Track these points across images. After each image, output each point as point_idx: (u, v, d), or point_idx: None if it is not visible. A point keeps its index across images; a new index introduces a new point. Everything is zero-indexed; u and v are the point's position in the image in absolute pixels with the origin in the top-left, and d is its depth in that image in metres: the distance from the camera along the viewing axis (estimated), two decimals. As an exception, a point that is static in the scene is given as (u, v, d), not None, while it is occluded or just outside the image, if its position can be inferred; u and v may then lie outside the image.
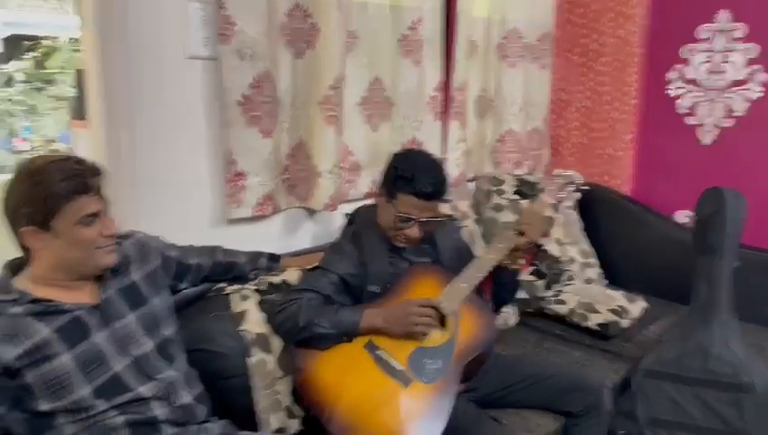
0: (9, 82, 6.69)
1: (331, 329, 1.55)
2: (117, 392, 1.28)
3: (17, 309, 1.23)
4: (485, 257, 1.73)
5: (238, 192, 1.89)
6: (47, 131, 6.44)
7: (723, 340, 1.85)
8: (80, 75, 2.71)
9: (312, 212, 2.17)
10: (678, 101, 2.75)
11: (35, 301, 1.25)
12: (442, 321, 1.62)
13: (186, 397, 1.37)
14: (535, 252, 1.88)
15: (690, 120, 2.73)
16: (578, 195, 1.90)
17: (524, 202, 2.59)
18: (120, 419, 1.26)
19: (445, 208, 2.33)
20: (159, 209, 1.75)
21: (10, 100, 6.47)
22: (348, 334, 1.58)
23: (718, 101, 2.65)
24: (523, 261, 1.79)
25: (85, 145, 2.52)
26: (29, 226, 1.22)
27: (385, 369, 1.55)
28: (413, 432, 1.47)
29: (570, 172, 1.92)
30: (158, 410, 1.31)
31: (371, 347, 1.58)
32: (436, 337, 1.61)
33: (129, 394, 1.28)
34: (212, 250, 1.72)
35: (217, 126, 1.83)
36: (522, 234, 1.74)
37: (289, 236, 2.11)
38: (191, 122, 1.80)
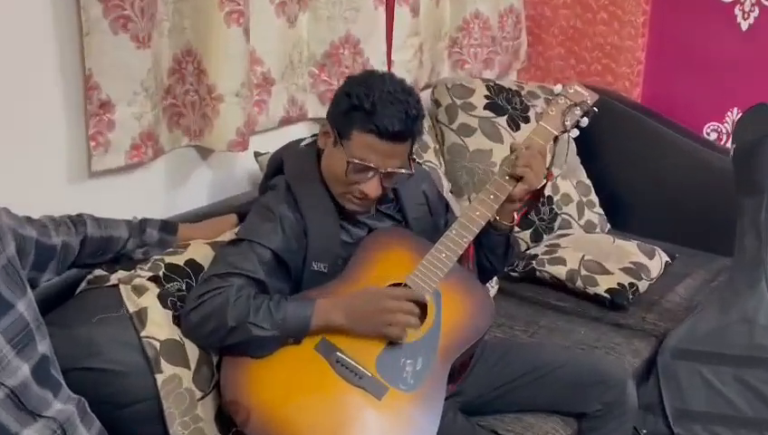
0: None
1: (272, 329, 1.74)
2: (-7, 440, 1.42)
3: None
4: (470, 215, 1.96)
5: (104, 130, 2.00)
6: None
7: (774, 305, 2.23)
8: None
9: (206, 153, 2.31)
10: (709, -33, 3.06)
11: None
12: (421, 308, 1.86)
13: (86, 439, 1.53)
14: (534, 202, 2.12)
15: (725, -4, 3.06)
16: (586, 121, 2.14)
17: (503, 121, 2.84)
18: (4, 478, 1.41)
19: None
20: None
21: None
22: (295, 335, 1.78)
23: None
24: (517, 215, 2.05)
25: None
26: None
27: (348, 377, 1.77)
28: (394, 459, 1.73)
29: (576, 87, 2.15)
30: (55, 462, 1.47)
31: (327, 348, 1.80)
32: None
33: (10, 441, 1.43)
34: (77, 221, 1.83)
35: (73, 34, 1.91)
36: (518, 179, 1.98)
37: (176, 189, 2.27)
38: (36, 29, 1.86)
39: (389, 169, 1.86)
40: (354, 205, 1.91)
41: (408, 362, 1.81)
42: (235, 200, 2.26)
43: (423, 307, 1.86)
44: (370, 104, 1.81)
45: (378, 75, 1.92)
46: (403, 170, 1.90)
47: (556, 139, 2.10)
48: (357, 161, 1.84)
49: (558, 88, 2.17)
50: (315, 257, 1.89)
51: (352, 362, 1.79)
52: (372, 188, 1.87)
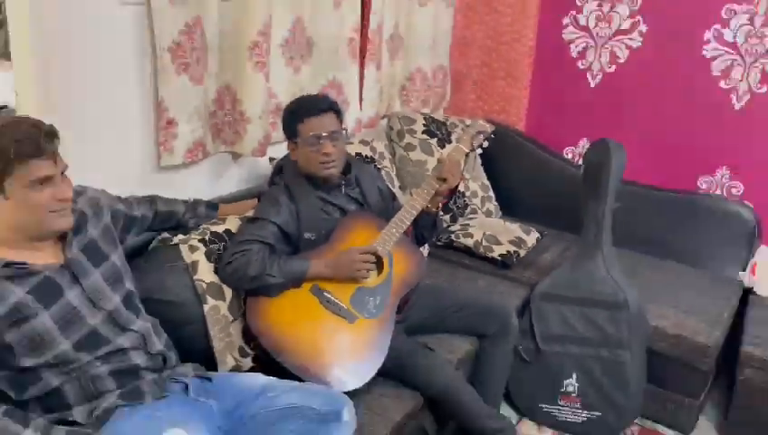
0: None
1: (280, 278, 1.77)
2: (97, 345, 1.43)
3: (-10, 273, 1.33)
4: (412, 204, 2.00)
5: (170, 139, 1.99)
6: None
7: (606, 267, 2.31)
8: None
9: (237, 156, 2.31)
10: (572, 45, 3.13)
11: (7, 265, 1.35)
12: (379, 263, 1.90)
13: (158, 344, 1.55)
14: (451, 195, 2.17)
15: (580, 64, 3.13)
16: (486, 143, 2.20)
17: (434, 142, 2.89)
18: (104, 368, 1.42)
19: (363, 149, 2.58)
20: (91, 158, 1.79)
21: None
22: (296, 282, 1.82)
23: (605, 47, 3.06)
24: (440, 205, 2.10)
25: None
26: None
27: (331, 308, 1.81)
28: (360, 361, 1.77)
29: (480, 121, 2.21)
30: (138, 359, 1.48)
31: (317, 290, 1.83)
32: (374, 277, 1.90)
33: (109, 346, 1.44)
34: (151, 200, 1.84)
35: (149, 74, 1.90)
36: (443, 180, 2.03)
37: (216, 180, 2.25)
38: (123, 70, 1.84)
39: (330, 131, 1.90)
40: (327, 168, 1.92)
41: (371, 298, 1.86)
42: (256, 190, 2.25)
43: (381, 261, 1.90)
44: (297, 106, 1.94)
45: (295, 98, 2.05)
46: (341, 130, 1.94)
47: (467, 154, 2.15)
48: (309, 135, 1.88)
49: (468, 121, 2.23)
50: (306, 229, 1.91)
51: (334, 299, 1.83)
52: (328, 148, 1.89)
